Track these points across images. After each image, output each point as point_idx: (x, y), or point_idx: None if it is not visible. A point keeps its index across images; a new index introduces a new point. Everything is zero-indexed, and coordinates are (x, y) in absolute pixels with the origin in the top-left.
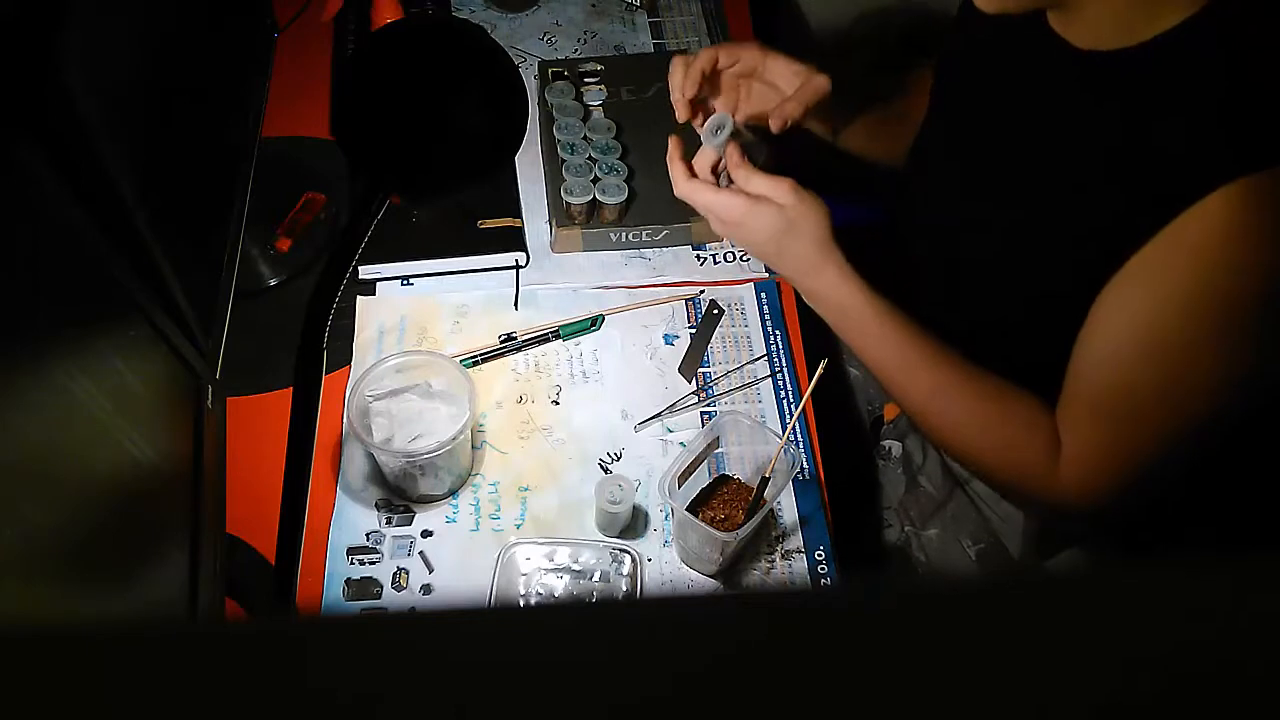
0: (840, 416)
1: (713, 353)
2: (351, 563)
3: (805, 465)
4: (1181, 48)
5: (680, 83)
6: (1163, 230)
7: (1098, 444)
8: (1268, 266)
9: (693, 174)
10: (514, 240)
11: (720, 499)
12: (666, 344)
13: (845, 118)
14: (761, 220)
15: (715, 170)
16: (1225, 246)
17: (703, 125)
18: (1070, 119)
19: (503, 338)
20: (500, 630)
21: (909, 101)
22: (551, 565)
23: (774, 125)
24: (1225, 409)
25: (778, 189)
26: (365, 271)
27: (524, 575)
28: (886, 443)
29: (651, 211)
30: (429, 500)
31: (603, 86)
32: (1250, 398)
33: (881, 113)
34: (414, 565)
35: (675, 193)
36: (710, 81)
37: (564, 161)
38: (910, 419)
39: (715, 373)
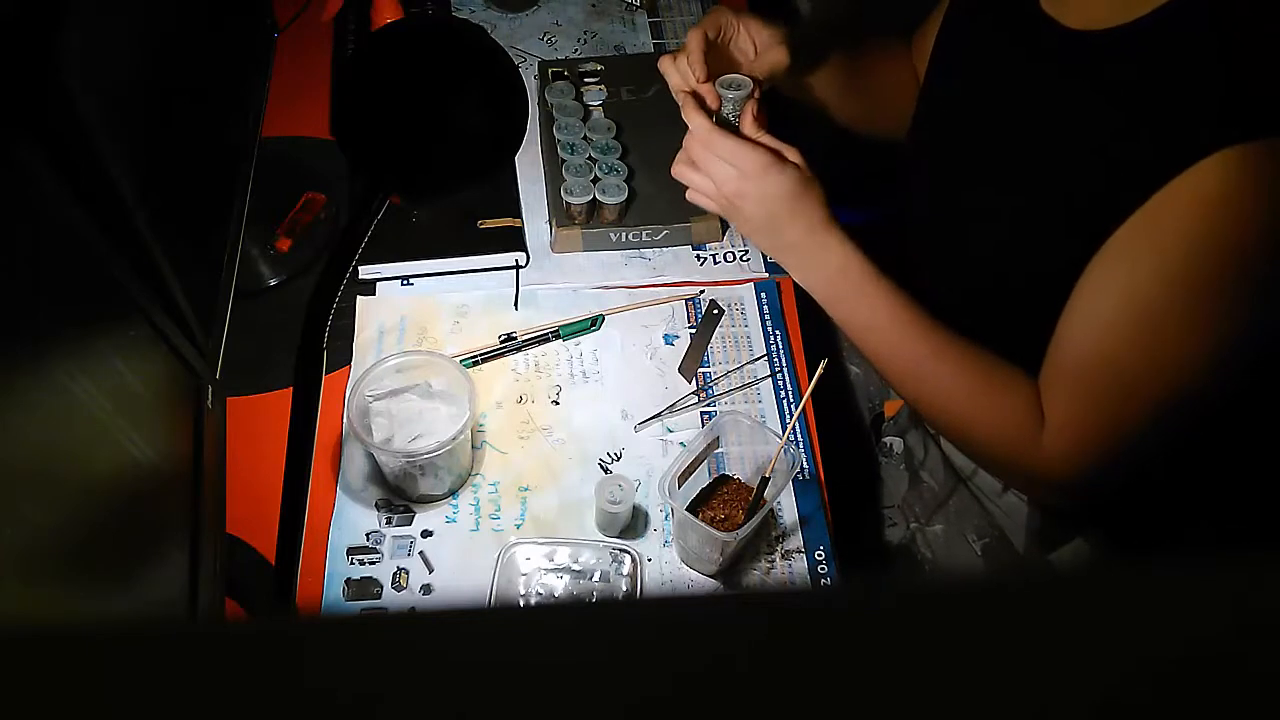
0: (840, 416)
1: (713, 353)
2: (351, 563)
3: (805, 465)
4: (1173, 25)
5: (680, 85)
6: (1147, 203)
7: (1082, 415)
8: (1253, 236)
9: None
10: (514, 240)
11: (720, 499)
12: (666, 344)
13: (812, 76)
14: (784, 177)
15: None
16: (1209, 217)
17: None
18: (1064, 100)
19: (503, 338)
20: (500, 630)
21: (881, 65)
22: (551, 565)
23: (755, 95)
24: (1210, 381)
25: (792, 152)
26: (365, 271)
27: (524, 575)
28: (888, 439)
29: (651, 211)
30: (429, 500)
31: (603, 86)
32: (1236, 370)
33: (851, 72)
34: (414, 565)
35: (697, 140)
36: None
37: (564, 161)
38: (899, 390)
39: (715, 373)
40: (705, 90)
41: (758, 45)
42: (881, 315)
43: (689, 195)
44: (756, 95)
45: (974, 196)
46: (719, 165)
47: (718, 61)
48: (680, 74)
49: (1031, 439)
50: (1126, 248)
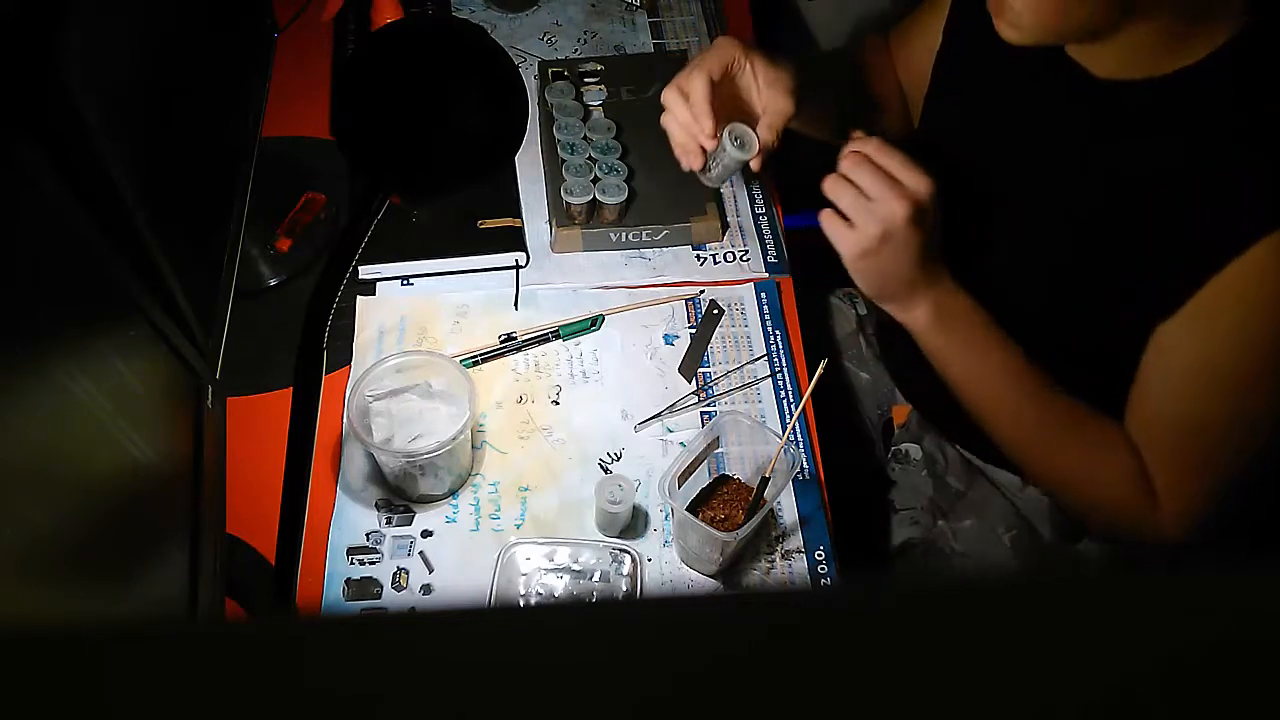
0: (841, 417)
1: (713, 353)
2: (351, 563)
3: (805, 465)
4: (1205, 82)
5: (684, 140)
6: (1206, 285)
7: (1192, 478)
8: None
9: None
10: (514, 240)
11: (720, 499)
12: (666, 344)
13: (815, 114)
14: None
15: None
16: (1271, 296)
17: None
18: (1090, 148)
19: (503, 338)
20: (500, 630)
21: (873, 75)
22: (551, 565)
23: (754, 165)
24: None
25: None
26: (365, 271)
27: (524, 575)
28: (903, 445)
29: (651, 211)
30: (429, 500)
31: (603, 86)
32: None
33: (850, 96)
34: (414, 565)
35: (870, 151)
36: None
37: (564, 161)
38: (1001, 440)
39: (715, 373)
40: (711, 144)
41: (762, 85)
42: (995, 364)
43: (826, 222)
44: (755, 165)
45: (980, 219)
46: (892, 189)
47: (719, 100)
48: (682, 126)
49: (1146, 503)
50: (1196, 321)
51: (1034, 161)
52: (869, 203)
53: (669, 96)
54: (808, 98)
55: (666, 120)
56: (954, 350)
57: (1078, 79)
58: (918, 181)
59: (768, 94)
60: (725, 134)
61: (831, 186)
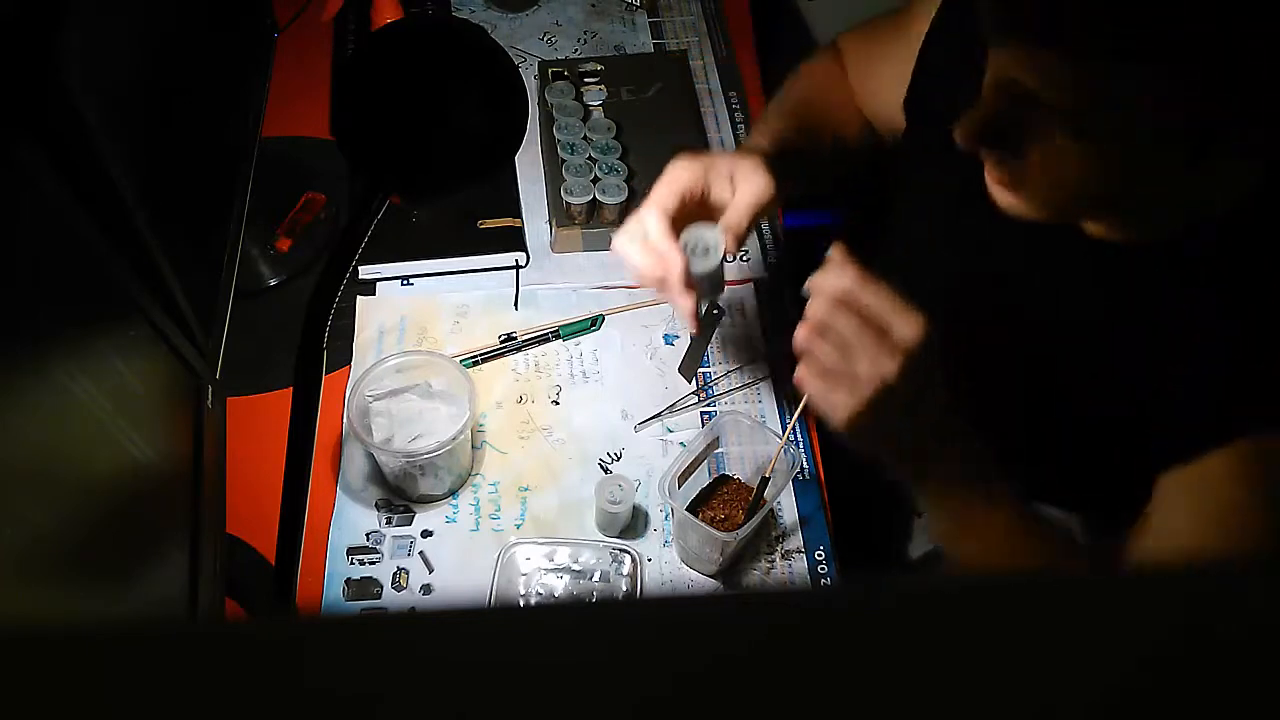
0: None
1: (713, 353)
2: (351, 563)
3: (805, 465)
4: (1194, 250)
5: (667, 291)
6: (1189, 464)
7: None
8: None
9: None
10: (514, 240)
11: (720, 499)
12: (666, 344)
13: (794, 181)
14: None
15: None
16: (1236, 499)
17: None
18: (1072, 292)
19: (503, 338)
20: (500, 630)
21: (835, 110)
22: (551, 565)
23: (730, 248)
24: None
25: None
26: (365, 271)
27: (524, 575)
28: None
29: None
30: (429, 500)
31: (603, 86)
32: None
33: (821, 149)
34: (414, 565)
35: (842, 292)
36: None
37: (564, 161)
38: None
39: (715, 373)
40: (682, 280)
41: (735, 180)
42: (998, 528)
43: (802, 382)
44: (732, 248)
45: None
46: (878, 341)
47: (691, 220)
48: (648, 274)
49: None
50: (1192, 480)
51: (1015, 290)
52: (852, 360)
53: (622, 246)
54: (786, 170)
55: (640, 279)
56: (954, 508)
57: (1064, 232)
58: (907, 325)
59: (743, 186)
60: (682, 247)
61: (805, 338)
